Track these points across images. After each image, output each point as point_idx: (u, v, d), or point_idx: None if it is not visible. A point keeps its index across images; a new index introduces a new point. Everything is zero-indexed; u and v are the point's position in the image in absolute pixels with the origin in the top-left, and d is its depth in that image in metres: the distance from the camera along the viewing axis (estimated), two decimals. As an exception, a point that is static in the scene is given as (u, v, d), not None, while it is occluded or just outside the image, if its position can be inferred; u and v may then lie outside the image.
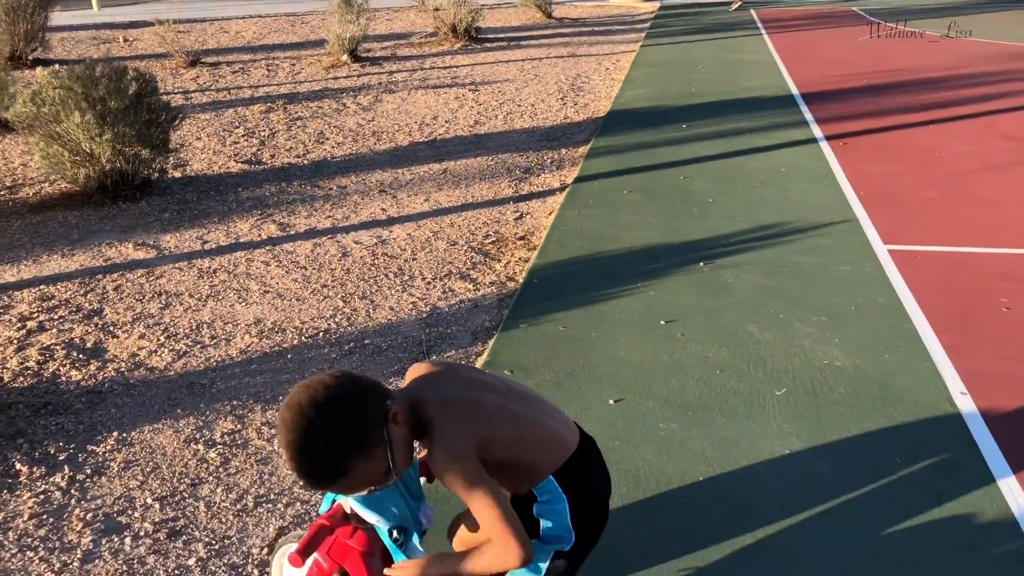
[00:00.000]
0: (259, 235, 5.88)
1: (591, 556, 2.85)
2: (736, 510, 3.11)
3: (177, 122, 6.85)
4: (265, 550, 2.92)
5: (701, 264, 5.37)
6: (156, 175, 6.90)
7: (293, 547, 2.36)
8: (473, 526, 2.27)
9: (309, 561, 2.35)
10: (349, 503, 2.14)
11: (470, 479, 1.81)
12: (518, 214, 6.30)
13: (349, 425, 1.68)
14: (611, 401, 3.83)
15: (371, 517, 2.11)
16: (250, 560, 2.87)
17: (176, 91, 10.61)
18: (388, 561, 2.23)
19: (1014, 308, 4.71)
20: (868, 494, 3.19)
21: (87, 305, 4.79)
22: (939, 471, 3.33)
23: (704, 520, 3.05)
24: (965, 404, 3.80)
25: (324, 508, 2.27)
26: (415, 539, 2.17)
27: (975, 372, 4.06)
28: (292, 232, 5.94)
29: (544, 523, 1.99)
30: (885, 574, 2.80)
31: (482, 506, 1.80)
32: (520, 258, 5.52)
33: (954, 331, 4.47)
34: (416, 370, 2.04)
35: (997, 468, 3.35)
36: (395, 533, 2.13)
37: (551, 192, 6.83)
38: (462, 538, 2.37)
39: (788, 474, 3.31)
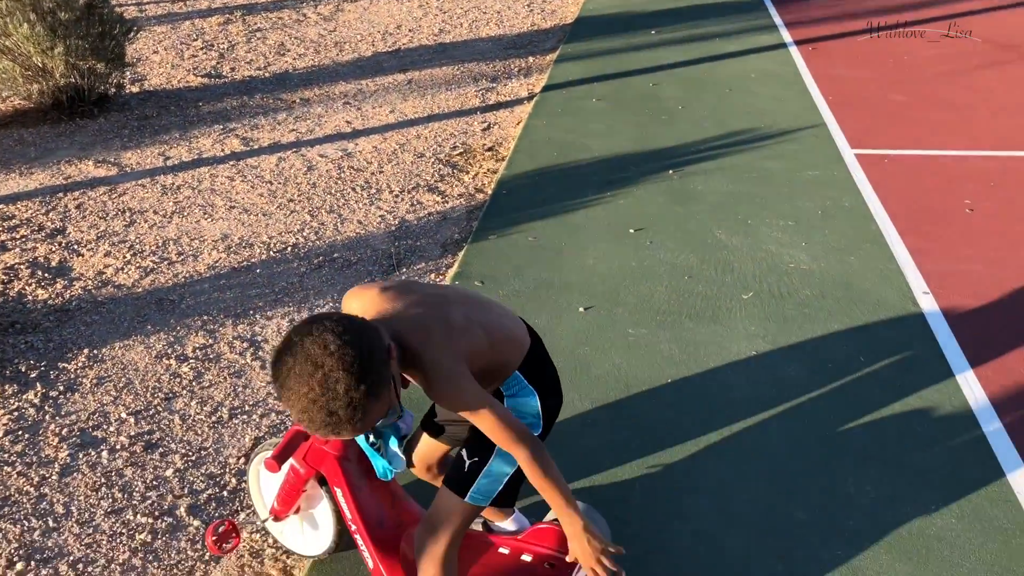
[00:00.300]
0: (222, 150, 5.77)
1: (563, 456, 2.92)
2: (703, 410, 3.18)
3: (132, 35, 6.64)
4: (242, 459, 2.96)
5: (670, 172, 5.36)
6: (113, 90, 6.72)
7: (269, 454, 2.40)
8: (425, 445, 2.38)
9: (285, 467, 2.39)
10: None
11: (473, 398, 1.80)
12: (485, 124, 6.24)
13: (367, 372, 1.60)
14: (581, 309, 3.87)
15: None
16: (227, 469, 2.91)
17: (129, 3, 10.25)
18: (365, 465, 2.27)
19: (977, 209, 4.77)
20: (832, 391, 3.28)
21: (49, 224, 4.71)
22: (901, 368, 3.42)
23: (672, 420, 3.12)
24: (927, 303, 3.88)
25: None
26: (393, 443, 2.20)
27: (937, 272, 4.14)
28: (256, 147, 5.84)
29: (515, 405, 2.06)
30: (848, 467, 2.90)
31: (487, 418, 1.81)
32: (488, 169, 5.49)
33: (918, 233, 4.53)
34: (361, 297, 1.91)
35: (956, 364, 3.44)
36: (371, 437, 2.16)
37: (519, 101, 6.74)
38: (421, 455, 2.40)
39: (754, 374, 3.38)
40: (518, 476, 2.04)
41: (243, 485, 2.85)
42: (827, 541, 2.59)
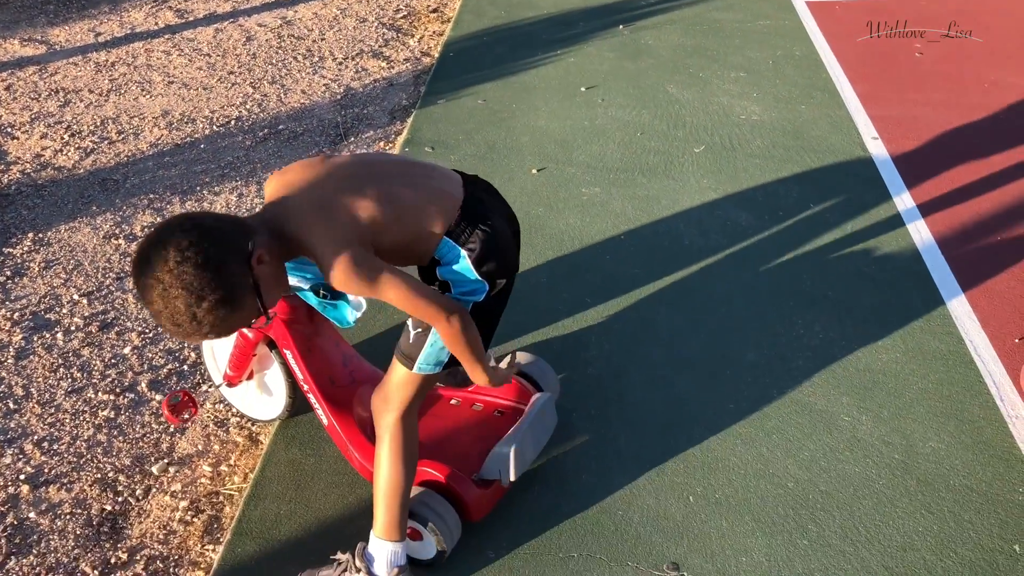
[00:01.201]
0: (156, 23, 5.53)
1: (520, 314, 2.95)
2: (656, 262, 3.21)
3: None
4: (200, 334, 2.95)
5: (620, 27, 5.25)
6: (33, -36, 6.34)
7: None
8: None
9: (233, 335, 2.40)
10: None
11: (370, 277, 1.71)
12: (429, -14, 6.01)
13: (207, 287, 1.54)
14: (534, 170, 3.84)
15: (292, 279, 2.14)
16: (186, 345, 2.91)
17: None
18: (314, 326, 2.27)
19: (926, 54, 4.75)
20: (782, 238, 3.32)
21: (-21, 108, 4.52)
22: (850, 212, 3.47)
23: (626, 274, 3.16)
24: (876, 148, 3.91)
25: None
26: (347, 299, 2.19)
27: (886, 117, 4.15)
28: (191, 18, 5.59)
29: (453, 283, 1.93)
30: (797, 308, 2.97)
31: (393, 294, 1.74)
32: (434, 32, 5.33)
33: (868, 79, 4.52)
34: (277, 180, 1.82)
35: (903, 206, 3.49)
36: (321, 292, 2.17)
37: (463, -39, 6.49)
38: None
39: (707, 225, 3.41)
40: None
41: (202, 359, 2.86)
42: (777, 380, 2.68)
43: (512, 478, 2.11)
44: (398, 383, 1.96)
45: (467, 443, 2.29)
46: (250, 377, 2.49)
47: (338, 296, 2.19)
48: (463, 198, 1.91)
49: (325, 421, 2.26)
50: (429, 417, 2.38)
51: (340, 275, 1.69)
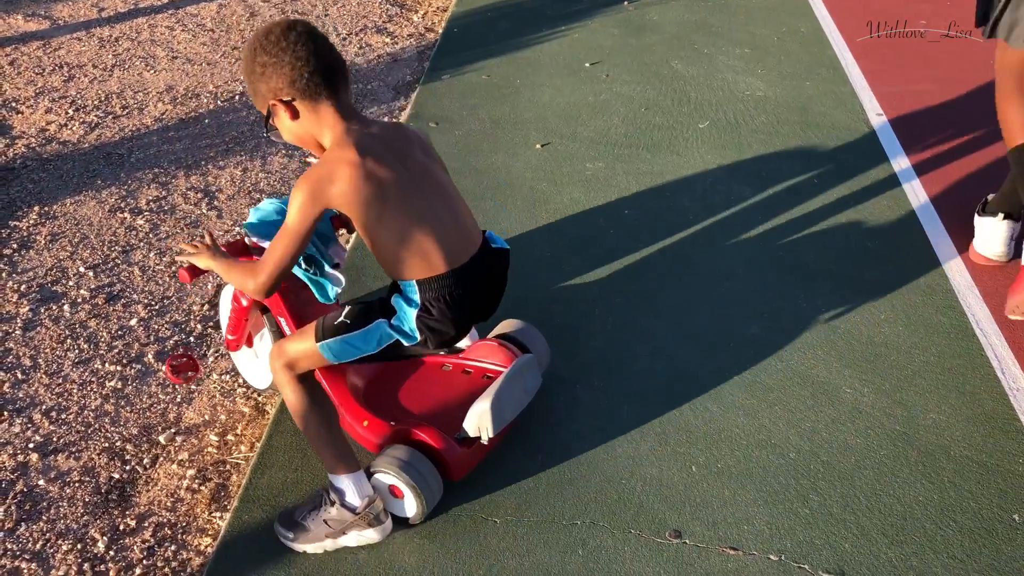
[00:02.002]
0: (159, -1, 5.52)
1: (524, 288, 2.97)
2: (661, 236, 3.22)
3: None
4: (206, 306, 2.97)
5: (625, 2, 5.23)
6: (36, -61, 6.32)
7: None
8: None
9: (227, 303, 2.46)
10: (252, 238, 2.24)
11: (296, 214, 1.84)
12: (433, -39, 5.99)
13: (254, 60, 1.88)
14: (538, 146, 3.84)
15: (265, 243, 2.23)
16: (192, 316, 2.93)
17: None
18: (306, 295, 2.30)
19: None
20: (786, 213, 3.33)
21: (-16, 83, 4.53)
22: (854, 188, 3.47)
23: (630, 248, 3.16)
24: (880, 124, 3.90)
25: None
26: (327, 268, 2.24)
27: (891, 94, 4.14)
28: (194, -6, 5.58)
29: (397, 314, 1.99)
30: (800, 282, 2.98)
31: (280, 239, 1.87)
32: (438, 7, 5.31)
33: (873, 56, 4.50)
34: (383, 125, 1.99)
35: (907, 182, 3.49)
36: (303, 263, 2.21)
37: (467, -64, 6.46)
38: None
39: (711, 200, 3.42)
40: (381, 355, 2.04)
41: (208, 330, 2.88)
42: (779, 353, 2.69)
43: (491, 434, 2.12)
44: (300, 343, 2.04)
45: (454, 406, 2.32)
46: (249, 344, 2.51)
47: (321, 270, 2.23)
48: (460, 265, 1.98)
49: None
50: (417, 382, 2.42)
51: (297, 186, 1.85)
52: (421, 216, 1.92)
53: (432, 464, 2.13)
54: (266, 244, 2.24)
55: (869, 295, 2.92)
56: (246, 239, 2.30)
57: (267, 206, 2.31)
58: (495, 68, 4.53)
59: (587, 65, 4.53)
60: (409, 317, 1.96)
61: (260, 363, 2.54)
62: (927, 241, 3.16)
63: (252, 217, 2.28)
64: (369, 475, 2.11)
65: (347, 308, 2.01)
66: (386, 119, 4.12)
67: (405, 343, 1.99)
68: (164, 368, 2.40)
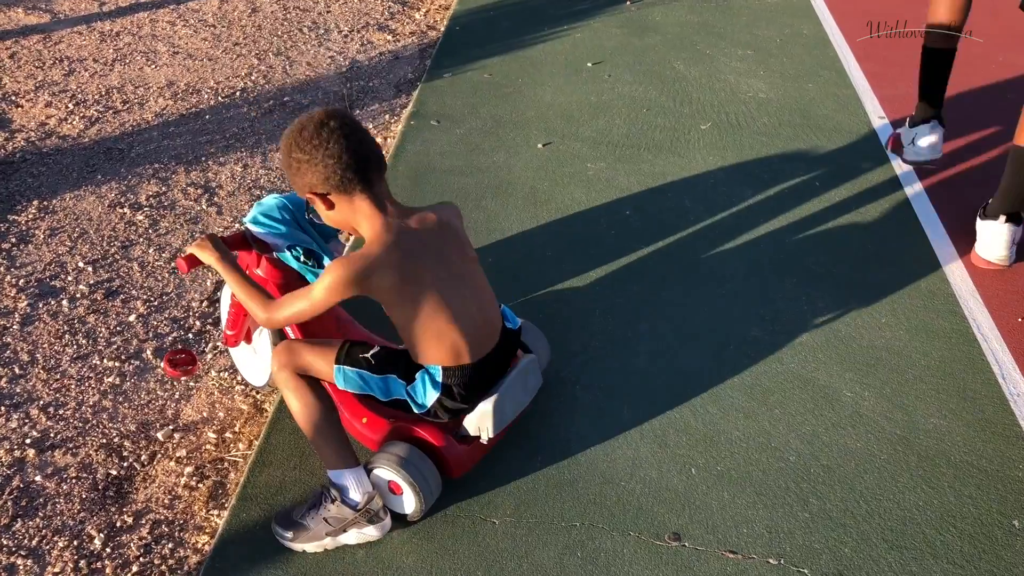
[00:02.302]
0: (160, -6, 5.50)
1: (526, 289, 2.96)
2: (662, 237, 3.21)
3: None
4: (205, 303, 2.96)
5: (627, 3, 5.22)
6: (37, -68, 6.30)
7: None
8: None
9: (227, 298, 2.47)
10: (254, 229, 2.24)
11: (324, 291, 1.90)
12: (436, -41, 5.98)
13: (289, 155, 1.92)
14: (540, 145, 3.84)
15: (267, 237, 2.23)
16: (191, 313, 2.92)
17: None
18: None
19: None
20: (788, 216, 3.32)
21: (-16, 76, 4.51)
22: (855, 190, 3.46)
23: (631, 248, 3.16)
24: (882, 127, 3.90)
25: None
26: (326, 262, 2.25)
27: (894, 96, 4.14)
28: (196, -11, 5.56)
29: (416, 385, 2.07)
30: (801, 285, 2.97)
31: (302, 299, 1.93)
32: (440, 5, 5.30)
33: (875, 58, 4.50)
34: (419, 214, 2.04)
35: (909, 185, 3.49)
36: (303, 257, 2.21)
37: (469, -66, 6.45)
38: None
39: (712, 202, 3.41)
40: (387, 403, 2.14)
41: (208, 326, 2.87)
42: (780, 355, 2.68)
43: (491, 434, 2.12)
44: (316, 358, 2.09)
45: None
46: (248, 340, 2.50)
47: (319, 263, 2.24)
48: (483, 356, 2.08)
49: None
50: None
51: (339, 264, 1.90)
52: (454, 315, 2.00)
53: (432, 462, 2.13)
54: (268, 239, 2.23)
55: (870, 298, 2.91)
56: (244, 231, 2.29)
57: (270, 200, 2.30)
58: (497, 67, 4.52)
59: (589, 65, 4.52)
60: (429, 395, 2.06)
61: (259, 360, 2.53)
62: (928, 245, 3.15)
63: (255, 211, 2.27)
64: (368, 471, 2.10)
65: (377, 349, 2.09)
66: (387, 116, 4.11)
67: (414, 409, 2.09)
68: (162, 363, 2.39)
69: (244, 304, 2.05)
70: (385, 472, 2.09)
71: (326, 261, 2.24)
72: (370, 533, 2.09)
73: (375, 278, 1.90)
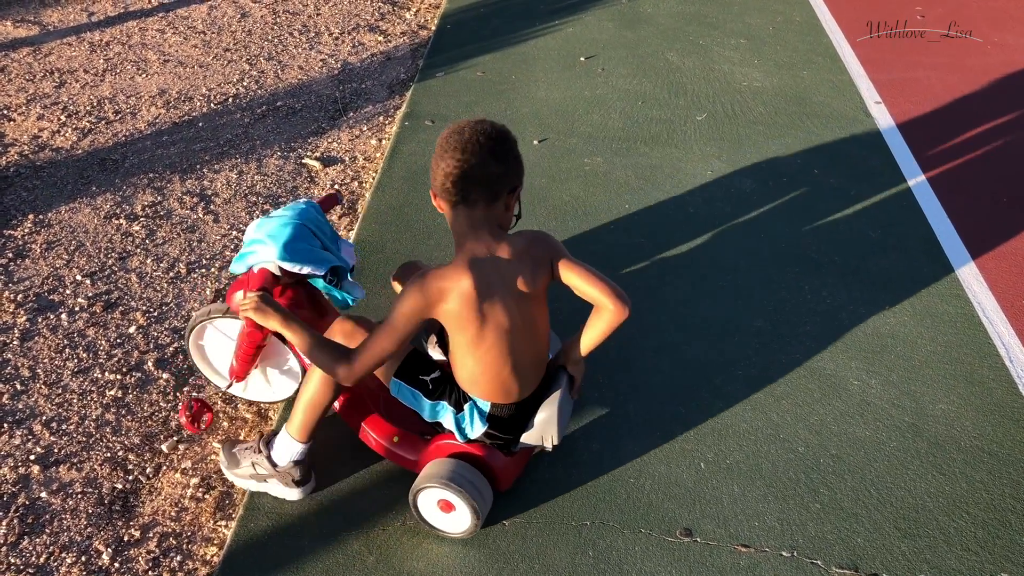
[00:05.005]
0: (149, 2, 5.47)
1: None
2: (662, 230, 3.20)
3: None
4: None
5: (618, -4, 5.20)
6: (23, -56, 6.27)
7: (207, 323, 2.38)
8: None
9: (216, 343, 2.46)
10: (275, 264, 2.12)
11: (403, 309, 1.87)
12: (424, -42, 5.95)
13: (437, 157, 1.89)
14: (535, 142, 3.82)
15: (304, 269, 2.12)
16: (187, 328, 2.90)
17: None
18: (321, 309, 2.28)
19: (928, 16, 4.71)
20: (787, 204, 3.31)
21: (-26, 90, 4.48)
22: (854, 177, 3.45)
23: (631, 243, 3.14)
24: (879, 113, 3.88)
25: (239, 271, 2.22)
26: (349, 277, 2.23)
27: (888, 81, 4.12)
28: (184, -4, 5.54)
29: (465, 415, 2.09)
30: (803, 274, 2.96)
31: (383, 333, 1.89)
32: (430, 4, 5.27)
33: (869, 42, 4.48)
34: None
35: (908, 170, 3.47)
36: (328, 276, 2.17)
37: (457, -68, 6.42)
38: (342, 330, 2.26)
39: (711, 193, 3.39)
40: (427, 423, 2.19)
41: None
42: (785, 346, 2.67)
43: (556, 441, 2.08)
44: (377, 363, 1.99)
45: None
46: (256, 365, 2.46)
47: (342, 281, 2.21)
48: (529, 396, 2.09)
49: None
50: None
51: (416, 284, 1.88)
52: (514, 358, 1.99)
53: (483, 475, 2.09)
54: (305, 268, 2.13)
55: (873, 285, 2.90)
56: (272, 269, 2.14)
57: (279, 226, 2.15)
58: (489, 64, 4.50)
59: (582, 59, 4.50)
60: (476, 428, 2.08)
61: (274, 376, 2.48)
62: (930, 229, 3.14)
63: (276, 245, 2.11)
64: (416, 492, 2.08)
65: (437, 373, 2.12)
66: (381, 118, 4.08)
67: (457, 436, 2.11)
68: (182, 422, 2.37)
69: (318, 365, 1.94)
70: (436, 491, 2.05)
71: (349, 277, 2.21)
72: (290, 494, 2.23)
73: (450, 303, 1.88)
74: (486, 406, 2.06)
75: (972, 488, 2.21)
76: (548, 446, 2.11)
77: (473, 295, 1.86)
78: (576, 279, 1.95)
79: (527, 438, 2.11)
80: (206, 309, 2.37)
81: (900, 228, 3.15)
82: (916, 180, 3.41)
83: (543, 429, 2.08)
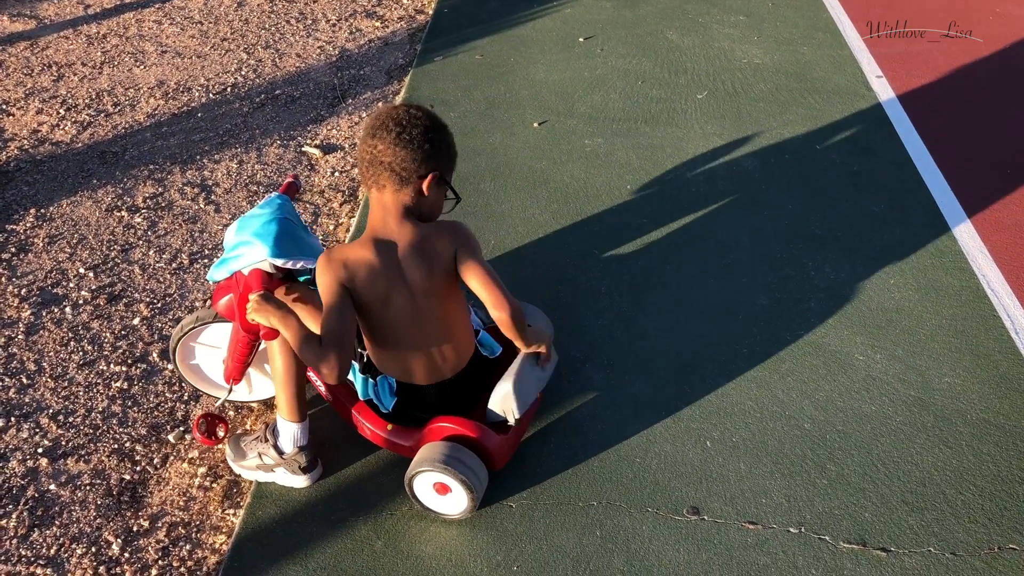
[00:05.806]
0: (145, -7, 5.45)
1: (529, 268, 2.94)
2: (664, 210, 3.19)
3: None
4: (208, 302, 2.95)
5: (615, -25, 5.16)
6: (18, -62, 6.24)
7: (186, 339, 2.38)
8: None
9: (208, 354, 2.46)
10: (267, 263, 2.10)
11: (322, 282, 1.91)
12: (420, -58, 5.91)
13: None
14: (535, 124, 3.80)
15: (298, 263, 2.10)
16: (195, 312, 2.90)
17: None
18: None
19: (927, 13, 4.67)
20: (789, 181, 3.29)
21: (-27, 86, 4.48)
22: (856, 152, 3.43)
23: (633, 223, 3.13)
24: (880, 87, 3.85)
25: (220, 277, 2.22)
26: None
27: (889, 55, 4.09)
28: (180, -14, 5.51)
29: (378, 387, 2.16)
30: (807, 250, 2.95)
31: (323, 309, 1.91)
32: (427, -12, 5.25)
33: (871, 16, 4.44)
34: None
35: (910, 143, 3.45)
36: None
37: (453, -85, 6.37)
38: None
39: (712, 171, 3.38)
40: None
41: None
42: (789, 322, 2.66)
43: (517, 415, 2.08)
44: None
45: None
46: (248, 365, 2.44)
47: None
48: (440, 381, 2.13)
49: (323, 390, 2.29)
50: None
51: (321, 257, 1.94)
52: (412, 339, 2.04)
53: (477, 455, 2.09)
54: (289, 264, 2.10)
55: (877, 260, 2.89)
56: (265, 267, 2.12)
57: (261, 222, 2.13)
58: (488, 47, 4.47)
59: (581, 40, 4.48)
60: (387, 400, 2.17)
61: (259, 376, 2.49)
62: (933, 202, 3.12)
63: (266, 243, 2.09)
64: (411, 478, 2.08)
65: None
66: (380, 104, 4.07)
67: (381, 409, 2.19)
68: (197, 438, 2.35)
69: (306, 361, 1.90)
70: (430, 475, 2.06)
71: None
72: (297, 481, 2.25)
73: (348, 271, 1.90)
74: (393, 382, 2.14)
75: (979, 461, 2.20)
76: (511, 420, 2.11)
77: (367, 275, 1.91)
78: (472, 280, 1.96)
79: (492, 407, 2.12)
80: (179, 327, 2.37)
81: (903, 202, 3.14)
82: (919, 153, 3.39)
83: (503, 403, 2.08)
